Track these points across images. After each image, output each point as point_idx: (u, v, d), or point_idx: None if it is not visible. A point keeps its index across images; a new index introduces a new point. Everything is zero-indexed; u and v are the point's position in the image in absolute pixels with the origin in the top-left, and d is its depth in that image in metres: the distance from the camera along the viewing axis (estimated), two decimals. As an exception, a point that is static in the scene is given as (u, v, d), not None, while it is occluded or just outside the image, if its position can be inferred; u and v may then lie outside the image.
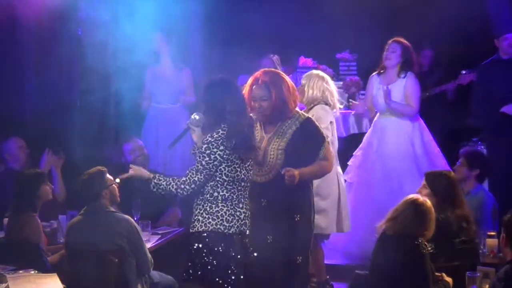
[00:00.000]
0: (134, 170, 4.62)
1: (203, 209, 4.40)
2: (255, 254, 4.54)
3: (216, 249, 4.35)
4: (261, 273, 4.61)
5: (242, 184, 4.45)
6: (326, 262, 6.29)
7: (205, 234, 4.37)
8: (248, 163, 4.48)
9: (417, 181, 6.03)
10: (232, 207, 4.41)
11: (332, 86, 6.19)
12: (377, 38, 7.18)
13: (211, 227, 4.36)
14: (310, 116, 5.12)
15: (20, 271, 4.83)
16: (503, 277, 4.15)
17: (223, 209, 4.39)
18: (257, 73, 4.87)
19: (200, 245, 4.36)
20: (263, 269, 4.62)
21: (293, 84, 4.96)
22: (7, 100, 7.60)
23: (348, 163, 7.02)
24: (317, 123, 4.96)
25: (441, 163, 6.76)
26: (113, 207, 5.19)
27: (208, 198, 4.40)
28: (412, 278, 4.61)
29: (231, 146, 4.35)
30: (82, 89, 8.25)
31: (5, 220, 5.56)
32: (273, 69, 5.16)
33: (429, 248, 4.73)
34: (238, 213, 4.42)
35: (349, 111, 8.40)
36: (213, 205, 4.39)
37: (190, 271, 4.37)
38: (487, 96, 6.79)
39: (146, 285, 5.13)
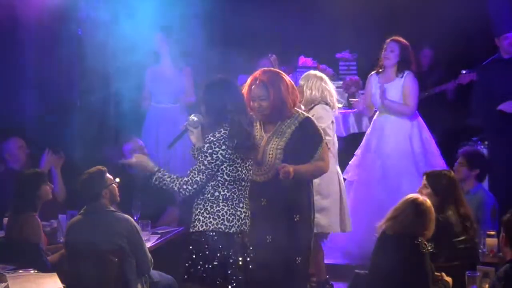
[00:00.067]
0: (138, 158, 4.58)
1: (203, 208, 4.40)
2: (255, 253, 4.53)
3: (216, 248, 4.34)
4: (261, 273, 4.60)
5: (243, 183, 4.45)
6: (326, 261, 6.29)
7: (206, 234, 4.36)
8: (249, 162, 4.48)
9: (415, 180, 6.05)
10: (232, 206, 4.41)
11: (331, 86, 6.20)
12: (377, 38, 7.17)
13: (212, 227, 4.36)
14: (310, 116, 5.12)
15: (20, 271, 4.83)
16: (502, 276, 4.16)
17: (223, 209, 4.39)
18: (256, 73, 4.87)
19: (201, 245, 4.36)
20: (263, 269, 4.62)
21: (293, 83, 4.96)
22: (7, 100, 7.60)
23: (349, 163, 7.02)
24: (316, 123, 4.96)
25: (439, 162, 6.76)
26: (113, 207, 5.19)
27: (209, 197, 4.40)
28: (412, 277, 4.62)
29: (232, 146, 4.35)
30: (82, 89, 8.25)
31: (5, 219, 5.56)
32: (272, 69, 5.16)
33: (429, 248, 4.73)
34: (238, 213, 4.42)
35: (349, 110, 8.42)
36: (214, 205, 4.39)
37: (191, 270, 4.36)
38: (487, 95, 6.79)
39: (146, 284, 5.13)
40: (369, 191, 6.82)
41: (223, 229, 4.37)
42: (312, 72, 6.31)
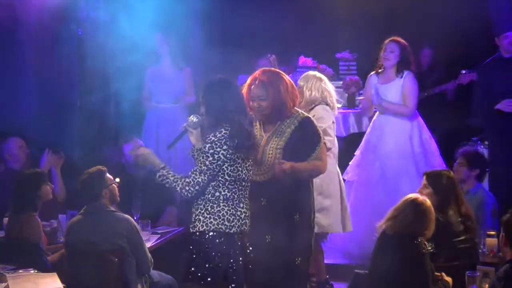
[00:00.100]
0: (144, 151, 4.54)
1: (204, 209, 4.40)
2: (255, 254, 4.53)
3: (217, 248, 4.34)
4: (261, 273, 4.60)
5: (243, 183, 4.45)
6: (326, 261, 6.29)
7: (206, 234, 4.35)
8: (249, 162, 4.48)
9: (415, 180, 6.05)
10: (233, 206, 4.40)
11: (330, 86, 6.19)
12: (377, 38, 7.17)
13: (212, 227, 4.36)
14: (310, 116, 5.11)
15: (20, 271, 4.83)
16: (502, 276, 4.16)
17: (224, 209, 4.38)
18: (256, 73, 4.86)
19: (201, 245, 4.35)
20: (263, 269, 4.62)
21: (293, 83, 4.96)
22: (8, 100, 7.60)
23: (349, 163, 7.02)
24: (315, 123, 4.94)
25: (439, 163, 6.76)
26: (113, 207, 5.19)
27: (210, 198, 4.39)
28: (412, 277, 4.62)
29: (233, 146, 4.35)
30: (82, 89, 8.26)
31: (5, 219, 5.56)
32: (272, 69, 5.14)
33: (429, 248, 4.73)
34: (239, 213, 4.42)
35: (349, 110, 8.42)
36: (215, 205, 4.38)
37: (191, 270, 4.36)
38: (488, 94, 6.78)
39: (146, 284, 5.13)
40: (369, 191, 6.82)
41: (224, 229, 4.36)
42: (311, 72, 6.30)
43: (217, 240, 4.34)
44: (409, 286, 4.63)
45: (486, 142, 7.35)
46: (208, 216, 4.37)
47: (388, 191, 6.59)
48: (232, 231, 4.38)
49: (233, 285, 4.36)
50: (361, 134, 7.64)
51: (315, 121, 4.97)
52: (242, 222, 4.42)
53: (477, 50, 7.97)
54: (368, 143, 6.98)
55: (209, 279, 4.32)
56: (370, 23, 8.56)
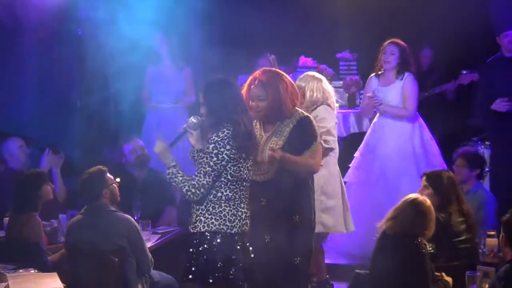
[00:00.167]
0: (162, 144, 4.48)
1: (205, 209, 4.38)
2: (255, 254, 4.53)
3: (217, 249, 4.33)
4: (261, 273, 4.60)
5: (244, 183, 4.45)
6: (326, 262, 6.29)
7: (207, 234, 4.34)
8: (250, 162, 4.48)
9: (415, 180, 6.04)
10: (234, 207, 4.40)
11: (329, 87, 6.19)
12: (377, 38, 7.16)
13: (214, 228, 4.35)
14: (311, 116, 5.10)
15: (21, 271, 4.83)
16: (503, 276, 4.16)
17: (225, 209, 4.37)
18: (256, 73, 4.85)
19: (202, 245, 4.34)
20: (263, 269, 4.62)
21: (293, 83, 4.95)
22: (8, 100, 7.61)
23: (349, 165, 7.01)
24: (314, 123, 4.91)
25: (439, 163, 6.75)
26: (113, 207, 5.19)
27: (211, 198, 4.38)
28: (412, 277, 4.62)
29: (236, 146, 4.34)
30: (82, 89, 8.26)
31: (6, 219, 5.56)
32: (272, 69, 5.12)
33: (430, 248, 4.73)
34: (240, 213, 4.41)
35: (350, 110, 8.42)
36: (216, 206, 4.37)
37: (192, 270, 4.35)
38: (489, 94, 6.77)
39: (146, 284, 5.13)
40: (368, 192, 6.82)
41: (225, 229, 4.36)
42: (310, 73, 6.28)
43: (218, 240, 4.34)
44: (409, 286, 4.63)
45: (487, 142, 7.36)
46: (209, 216, 4.36)
47: (388, 191, 6.59)
48: (233, 231, 4.37)
49: (233, 285, 4.36)
50: (361, 134, 7.64)
51: (314, 121, 4.95)
52: (243, 222, 4.42)
53: (477, 50, 7.96)
54: (367, 145, 6.97)
55: (210, 279, 4.31)
56: (370, 23, 8.55)
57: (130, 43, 7.44)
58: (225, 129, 4.35)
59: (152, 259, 5.12)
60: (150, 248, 5.29)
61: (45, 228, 5.60)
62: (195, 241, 4.37)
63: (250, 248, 4.50)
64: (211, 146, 4.33)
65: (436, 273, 4.82)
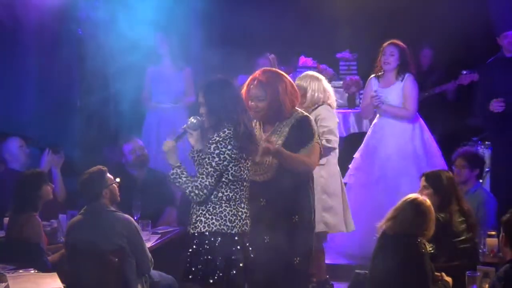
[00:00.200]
0: (171, 143, 4.45)
1: (206, 209, 4.38)
2: (255, 254, 4.52)
3: (218, 249, 4.33)
4: (260, 273, 4.60)
5: (244, 184, 4.44)
6: (326, 262, 6.29)
7: (208, 235, 4.34)
8: (249, 162, 4.48)
9: (415, 180, 6.03)
10: (234, 207, 4.39)
11: (328, 86, 6.19)
12: (377, 38, 7.16)
13: (214, 228, 4.34)
14: (311, 116, 5.10)
15: (20, 271, 4.83)
16: (503, 276, 4.16)
17: (226, 210, 4.37)
18: (256, 73, 4.84)
19: (202, 246, 4.34)
20: (262, 269, 4.62)
21: (293, 83, 4.94)
22: (8, 100, 7.61)
23: (349, 166, 7.01)
24: (313, 123, 4.90)
25: (440, 163, 6.75)
26: (113, 207, 5.19)
27: (212, 199, 4.37)
28: (412, 277, 4.62)
29: (237, 146, 4.34)
30: (82, 89, 8.26)
31: (6, 219, 5.56)
32: (272, 69, 5.11)
33: (430, 248, 4.73)
34: (240, 213, 4.41)
35: (350, 110, 8.42)
36: (217, 206, 4.37)
37: (191, 270, 4.35)
38: (489, 94, 6.77)
39: (146, 284, 5.13)
40: (368, 192, 6.82)
41: (225, 230, 4.35)
42: (309, 73, 6.27)
43: (218, 240, 4.33)
44: (409, 286, 4.63)
45: (487, 142, 7.36)
46: (210, 217, 4.36)
47: (388, 192, 6.59)
48: (233, 232, 4.37)
49: (233, 286, 4.36)
50: (361, 134, 7.64)
51: (313, 121, 4.95)
52: (243, 222, 4.42)
53: (477, 50, 7.96)
54: (368, 146, 6.96)
55: (210, 279, 4.31)
56: (370, 23, 8.55)
57: (130, 43, 7.44)
58: (226, 129, 4.34)
59: (152, 259, 5.12)
60: (150, 248, 5.29)
61: (45, 228, 5.60)
62: (195, 241, 4.37)
63: (250, 248, 4.50)
64: (212, 146, 4.32)
65: (436, 273, 4.82)
